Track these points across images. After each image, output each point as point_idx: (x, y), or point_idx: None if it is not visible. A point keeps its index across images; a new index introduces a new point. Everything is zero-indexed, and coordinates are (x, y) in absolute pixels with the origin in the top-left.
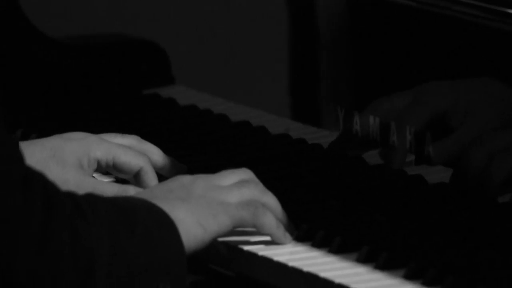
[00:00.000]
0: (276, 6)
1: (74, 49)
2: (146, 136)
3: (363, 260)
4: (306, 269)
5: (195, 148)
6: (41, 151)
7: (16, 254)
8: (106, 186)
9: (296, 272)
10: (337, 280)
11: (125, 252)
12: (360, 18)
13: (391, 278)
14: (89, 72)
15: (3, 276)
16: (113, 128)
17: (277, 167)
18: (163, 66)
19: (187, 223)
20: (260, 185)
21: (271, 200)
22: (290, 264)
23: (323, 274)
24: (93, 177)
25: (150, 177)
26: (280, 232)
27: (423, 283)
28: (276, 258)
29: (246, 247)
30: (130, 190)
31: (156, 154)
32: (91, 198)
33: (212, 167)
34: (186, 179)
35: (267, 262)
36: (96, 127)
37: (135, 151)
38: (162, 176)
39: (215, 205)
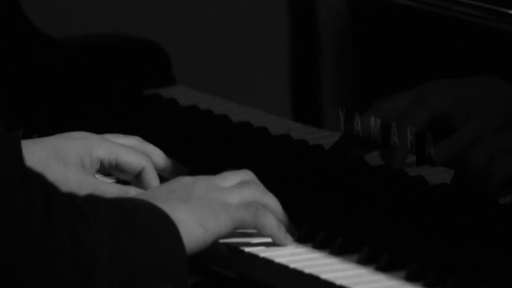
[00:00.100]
0: (277, 6)
1: (75, 49)
2: (147, 136)
3: (364, 261)
4: (307, 270)
5: (196, 149)
6: (42, 149)
7: (16, 253)
8: (107, 186)
9: (297, 274)
10: (338, 281)
11: (125, 253)
12: (361, 18)
13: (392, 280)
14: (89, 72)
15: (2, 274)
16: (114, 129)
17: (278, 168)
18: (164, 66)
19: (188, 224)
20: (261, 186)
21: (272, 201)
22: (292, 265)
23: (324, 275)
24: (95, 177)
25: (152, 177)
26: (281, 233)
27: (425, 284)
28: (277, 260)
29: (247, 249)
30: (132, 191)
31: (158, 156)
32: (92, 199)
33: (213, 167)
34: (187, 180)
35: (268, 263)
36: (97, 127)
37: (137, 151)
38: (162, 178)
39: (216, 206)
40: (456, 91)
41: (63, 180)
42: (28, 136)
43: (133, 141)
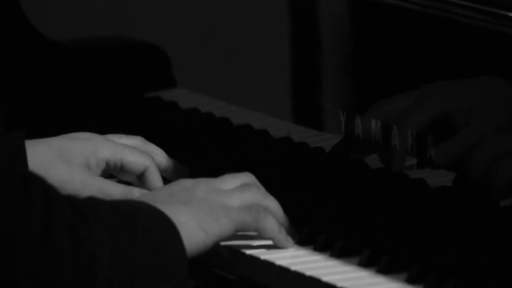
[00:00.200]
0: (278, 9)
1: (75, 52)
2: (148, 139)
3: (365, 263)
4: (308, 273)
5: (197, 151)
6: (47, 150)
7: (16, 253)
8: (112, 186)
9: (298, 276)
10: (339, 284)
11: (126, 255)
12: (362, 21)
13: (393, 282)
14: (90, 75)
15: (2, 274)
16: (114, 131)
17: (278, 170)
18: (165, 69)
19: (189, 226)
20: (262, 189)
21: (272, 204)
22: (293, 268)
23: (325, 278)
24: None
25: (155, 177)
26: (282, 236)
27: (426, 287)
28: (278, 262)
29: (248, 251)
30: (136, 191)
31: (160, 156)
32: (92, 201)
33: (214, 170)
34: (188, 182)
35: (269, 266)
36: (97, 129)
37: (140, 151)
38: (164, 179)
39: (217, 208)
40: (457, 93)
41: (67, 181)
42: (28, 137)
43: (136, 141)
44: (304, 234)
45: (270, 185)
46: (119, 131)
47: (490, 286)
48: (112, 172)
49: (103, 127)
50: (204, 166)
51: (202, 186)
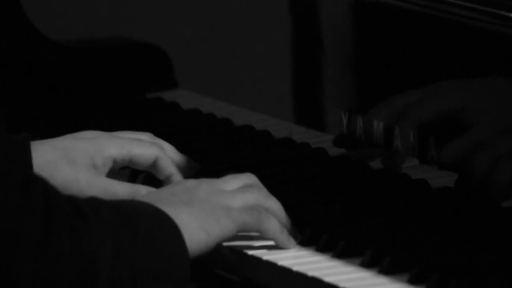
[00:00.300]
0: (279, 9)
1: (76, 52)
2: None
3: (367, 264)
4: (310, 273)
5: (198, 152)
6: (52, 151)
7: (16, 253)
8: (118, 185)
9: (300, 277)
10: (341, 284)
11: (128, 255)
12: (363, 21)
13: (395, 283)
14: (91, 76)
15: (2, 274)
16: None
17: (280, 171)
18: (166, 70)
19: (191, 227)
20: (264, 190)
21: (274, 205)
22: (295, 268)
23: (327, 278)
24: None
25: (167, 163)
26: (284, 236)
27: (427, 287)
28: (280, 263)
29: (250, 252)
30: (142, 190)
31: (170, 151)
32: (94, 201)
33: (215, 171)
34: (190, 183)
35: (272, 266)
36: (98, 130)
37: (147, 142)
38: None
39: (218, 209)
40: (458, 93)
41: (73, 181)
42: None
43: (144, 137)
44: (306, 235)
45: (272, 186)
46: (119, 131)
47: (492, 286)
48: (123, 166)
49: (103, 128)
50: (205, 166)
51: (204, 187)
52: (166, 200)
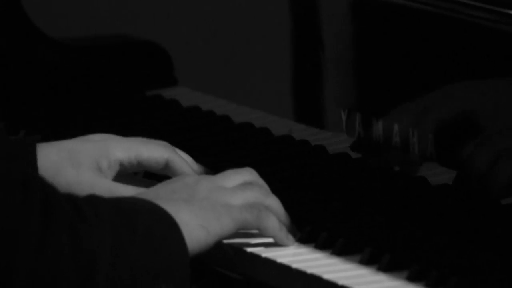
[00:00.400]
0: (279, 7)
1: (76, 50)
2: (149, 137)
3: (366, 261)
4: (309, 270)
5: (198, 149)
6: (57, 153)
7: (15, 253)
8: (122, 189)
9: (299, 274)
10: (340, 282)
11: (127, 253)
12: (363, 19)
13: (394, 280)
14: (91, 73)
15: (2, 274)
16: (115, 130)
17: (279, 169)
18: (166, 68)
19: (191, 225)
20: (264, 187)
21: (274, 202)
22: (294, 265)
23: (326, 275)
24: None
25: (180, 165)
26: (283, 234)
27: (426, 285)
28: (279, 260)
29: (249, 249)
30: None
31: (185, 157)
32: (93, 200)
33: (215, 168)
34: (190, 179)
35: (271, 264)
36: (98, 128)
37: (156, 144)
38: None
39: (218, 207)
40: (459, 93)
41: (75, 183)
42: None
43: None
44: (305, 232)
45: (271, 183)
46: (120, 130)
47: (491, 285)
48: (132, 171)
49: (103, 126)
50: (205, 164)
51: (204, 184)
52: (166, 197)
